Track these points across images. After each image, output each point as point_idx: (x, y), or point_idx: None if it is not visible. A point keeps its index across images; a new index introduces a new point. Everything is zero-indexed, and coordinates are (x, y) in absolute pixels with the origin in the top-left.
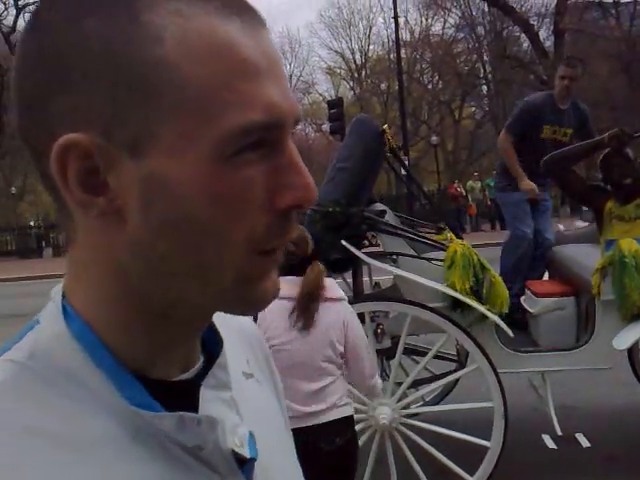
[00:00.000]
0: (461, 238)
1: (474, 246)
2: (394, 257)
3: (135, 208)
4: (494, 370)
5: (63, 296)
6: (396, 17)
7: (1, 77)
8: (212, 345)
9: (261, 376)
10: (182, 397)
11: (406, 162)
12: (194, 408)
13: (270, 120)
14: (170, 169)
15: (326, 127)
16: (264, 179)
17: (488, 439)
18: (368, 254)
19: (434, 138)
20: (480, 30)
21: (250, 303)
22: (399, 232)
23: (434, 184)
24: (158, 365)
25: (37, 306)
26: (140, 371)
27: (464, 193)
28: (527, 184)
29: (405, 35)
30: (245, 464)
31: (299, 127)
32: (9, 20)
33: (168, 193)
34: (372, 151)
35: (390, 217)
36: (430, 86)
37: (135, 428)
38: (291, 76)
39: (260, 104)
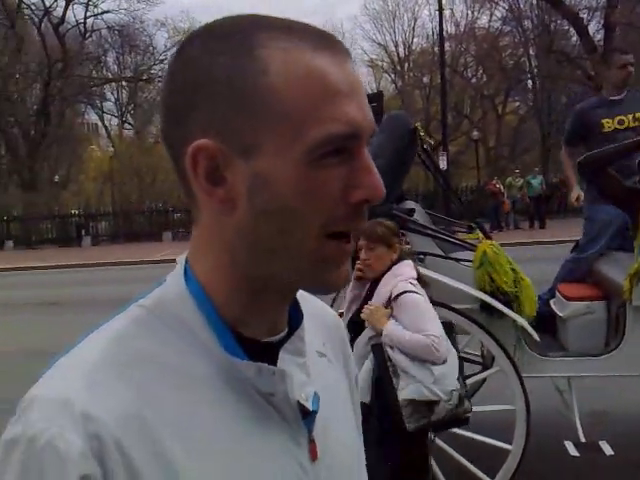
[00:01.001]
0: (490, 238)
1: (510, 245)
2: (421, 256)
3: (244, 198)
4: (518, 373)
5: (187, 262)
6: (440, 9)
7: (49, 68)
8: (295, 320)
9: (334, 359)
10: (266, 355)
11: (444, 158)
12: (274, 365)
13: (348, 132)
14: (270, 169)
15: None
16: (342, 178)
17: (509, 442)
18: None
19: (475, 133)
20: (527, 23)
21: (324, 284)
22: (427, 231)
23: (474, 180)
24: (251, 326)
25: (74, 294)
26: (236, 328)
27: (502, 190)
28: (574, 194)
29: (450, 28)
30: (308, 416)
31: None
32: (58, 12)
33: (268, 187)
34: (403, 148)
35: (420, 215)
36: (474, 80)
37: (227, 371)
38: None
39: (341, 120)
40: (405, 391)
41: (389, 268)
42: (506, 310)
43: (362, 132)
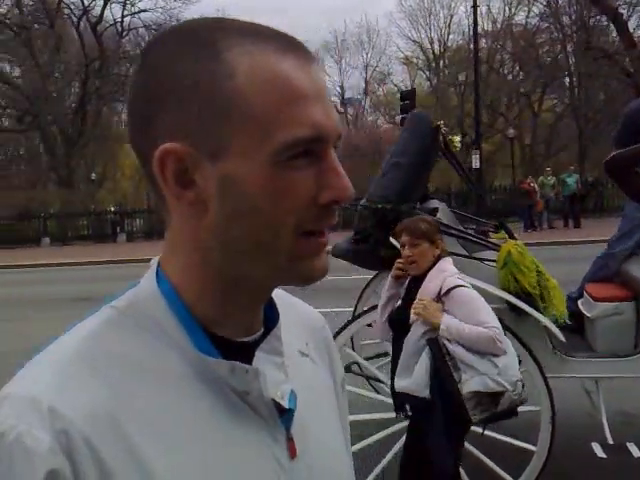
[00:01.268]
0: (514, 238)
1: (544, 244)
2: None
3: (214, 200)
4: (542, 374)
5: (159, 264)
6: (475, 6)
7: (86, 66)
8: (272, 320)
9: (318, 359)
10: (241, 354)
11: (477, 156)
12: (249, 364)
13: (313, 136)
14: (238, 171)
15: (399, 118)
16: (310, 180)
17: (534, 443)
18: None
19: (511, 131)
20: (565, 20)
21: (301, 278)
22: (450, 231)
23: (509, 179)
24: (225, 325)
25: (107, 290)
26: (210, 328)
27: (537, 189)
28: None
29: (487, 25)
30: (284, 414)
31: (370, 118)
32: (96, 11)
33: (237, 189)
34: (426, 147)
35: (444, 214)
36: (510, 77)
37: (200, 369)
38: (367, 66)
39: (306, 123)
40: (469, 383)
41: (433, 264)
42: (530, 310)
43: (327, 135)
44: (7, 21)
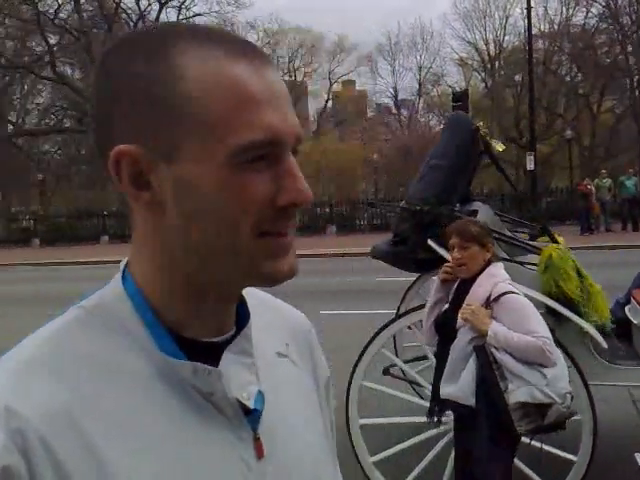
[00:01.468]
0: (556, 242)
1: (599, 248)
2: None
3: (171, 201)
4: (584, 382)
5: (127, 266)
6: (529, 7)
7: None
8: (244, 321)
9: (300, 361)
10: (210, 355)
11: (532, 158)
12: (217, 364)
13: (268, 139)
14: (192, 174)
15: None
16: (267, 183)
17: (575, 452)
18: None
19: (568, 132)
20: (625, 20)
21: (264, 279)
22: (491, 234)
23: (567, 181)
24: (192, 327)
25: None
26: (177, 329)
27: (594, 191)
28: None
29: (544, 26)
30: (251, 414)
31: (422, 119)
32: (152, 15)
33: (192, 191)
34: (465, 149)
35: (486, 217)
36: (568, 78)
37: (165, 371)
38: (421, 68)
39: (260, 127)
40: (516, 393)
41: (483, 269)
42: (572, 316)
43: (283, 138)
44: (67, 26)
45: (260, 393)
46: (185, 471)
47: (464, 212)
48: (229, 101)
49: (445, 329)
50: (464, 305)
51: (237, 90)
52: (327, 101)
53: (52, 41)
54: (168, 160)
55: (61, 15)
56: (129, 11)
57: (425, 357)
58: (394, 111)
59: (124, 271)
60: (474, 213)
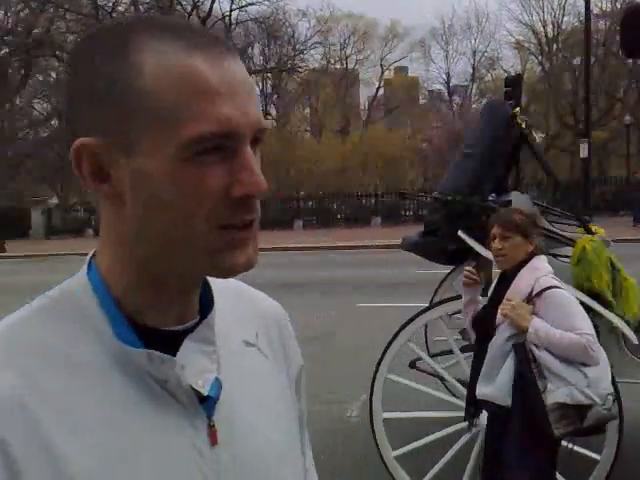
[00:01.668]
0: (592, 233)
1: None
2: None
3: (129, 194)
4: (612, 379)
5: (94, 256)
6: None
7: None
8: (208, 309)
9: (269, 351)
10: (169, 343)
11: (585, 145)
12: (175, 352)
13: (221, 131)
14: (148, 166)
15: None
16: (222, 174)
17: (598, 451)
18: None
19: (627, 118)
20: None
21: (220, 270)
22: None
23: (623, 169)
24: (152, 315)
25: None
26: (137, 318)
27: None
28: None
29: (605, 5)
30: (205, 401)
31: (474, 106)
32: (206, 6)
33: (147, 183)
34: (500, 137)
35: (520, 207)
36: (630, 61)
37: (121, 359)
38: (475, 52)
39: (214, 119)
40: (555, 394)
41: (525, 262)
42: (604, 311)
43: (239, 131)
44: None
45: (217, 380)
46: (136, 457)
47: (497, 202)
48: (183, 94)
49: (483, 325)
50: (504, 300)
51: (191, 82)
52: (378, 89)
53: None
54: (127, 153)
55: (119, 8)
56: (183, 2)
57: (451, 351)
58: (446, 98)
59: (90, 262)
60: (508, 203)
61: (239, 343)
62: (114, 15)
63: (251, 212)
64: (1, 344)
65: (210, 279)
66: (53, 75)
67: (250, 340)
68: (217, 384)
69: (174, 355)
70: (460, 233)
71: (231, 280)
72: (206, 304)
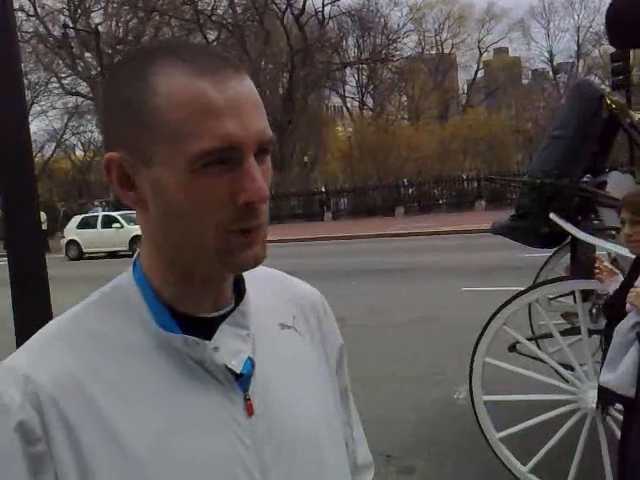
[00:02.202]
0: None
1: None
2: (613, 232)
3: (151, 200)
4: None
5: (139, 255)
6: None
7: (292, 57)
8: (242, 297)
9: (306, 333)
10: (206, 328)
11: None
12: (210, 337)
13: (225, 146)
14: (163, 177)
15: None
16: (228, 184)
17: None
18: (583, 228)
19: None
20: None
21: (232, 268)
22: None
23: None
24: (187, 304)
25: (311, 265)
26: (176, 307)
27: None
28: None
29: None
30: (240, 378)
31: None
32: (299, 3)
33: (164, 192)
34: (589, 118)
35: (616, 188)
36: None
37: (163, 343)
38: (579, 28)
39: (217, 136)
40: None
41: None
42: None
43: (242, 144)
44: (223, 22)
45: (250, 359)
46: (183, 430)
47: (591, 184)
48: (191, 114)
49: (612, 310)
50: (633, 287)
51: (198, 103)
52: (477, 71)
53: (211, 37)
54: (147, 165)
55: (218, 12)
56: (278, 1)
57: (550, 335)
58: (551, 76)
59: (135, 260)
60: (602, 185)
61: (274, 326)
62: (213, 19)
63: (256, 217)
64: (61, 332)
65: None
66: None
67: (287, 323)
68: (250, 363)
69: (210, 339)
70: (552, 216)
71: (269, 270)
72: (241, 291)
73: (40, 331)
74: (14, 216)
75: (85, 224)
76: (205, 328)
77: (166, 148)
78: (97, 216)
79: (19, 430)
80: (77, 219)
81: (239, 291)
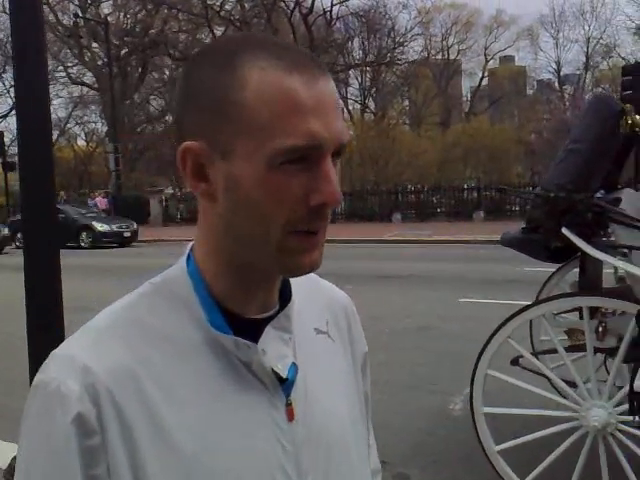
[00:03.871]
0: None
1: None
2: (625, 250)
3: (222, 193)
4: None
5: (192, 248)
6: None
7: None
8: (287, 300)
9: (338, 338)
10: (251, 329)
11: None
12: (258, 339)
13: (307, 145)
14: (240, 171)
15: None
16: (304, 183)
17: None
18: (595, 245)
19: None
20: None
21: (289, 270)
22: (635, 223)
23: None
24: (239, 304)
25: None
26: (226, 305)
27: None
28: None
29: None
30: (284, 383)
31: (586, 96)
32: (308, 2)
33: (239, 186)
34: (607, 133)
35: (630, 205)
36: None
37: (212, 342)
38: (589, 39)
39: (301, 134)
40: None
41: None
42: None
43: (323, 145)
44: (231, 18)
45: (294, 365)
46: (226, 429)
47: (605, 200)
48: (279, 109)
49: None
50: None
51: (286, 100)
52: (482, 79)
53: (218, 33)
54: (225, 157)
55: (226, 7)
56: None
57: (555, 350)
58: (557, 87)
59: (189, 251)
60: (617, 201)
61: (311, 330)
62: (221, 14)
63: (323, 220)
64: (112, 323)
65: None
66: (167, 73)
67: (321, 328)
68: (294, 368)
69: (255, 340)
70: (564, 230)
71: None
72: (285, 295)
73: (93, 321)
74: (32, 204)
75: None
76: (250, 329)
77: (248, 142)
78: None
79: (76, 422)
80: None
81: (284, 294)
